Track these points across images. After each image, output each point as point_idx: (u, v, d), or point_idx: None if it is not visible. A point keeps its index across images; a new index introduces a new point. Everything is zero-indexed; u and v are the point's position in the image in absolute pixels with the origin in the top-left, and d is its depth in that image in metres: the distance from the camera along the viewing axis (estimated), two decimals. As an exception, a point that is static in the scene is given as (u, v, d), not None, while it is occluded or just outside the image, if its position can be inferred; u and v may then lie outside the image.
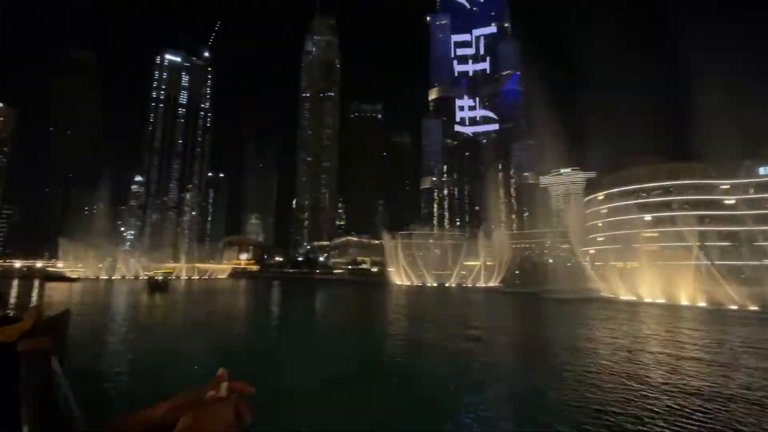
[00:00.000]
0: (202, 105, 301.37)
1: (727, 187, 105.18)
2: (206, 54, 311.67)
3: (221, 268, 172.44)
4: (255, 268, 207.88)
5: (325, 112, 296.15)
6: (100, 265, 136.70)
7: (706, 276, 44.14)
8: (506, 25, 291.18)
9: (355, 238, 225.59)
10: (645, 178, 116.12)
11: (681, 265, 63.36)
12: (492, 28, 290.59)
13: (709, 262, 57.98)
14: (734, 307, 36.97)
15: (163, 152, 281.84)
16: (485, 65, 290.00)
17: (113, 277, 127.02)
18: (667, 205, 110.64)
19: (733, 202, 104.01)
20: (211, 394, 0.82)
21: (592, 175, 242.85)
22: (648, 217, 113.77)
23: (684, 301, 40.82)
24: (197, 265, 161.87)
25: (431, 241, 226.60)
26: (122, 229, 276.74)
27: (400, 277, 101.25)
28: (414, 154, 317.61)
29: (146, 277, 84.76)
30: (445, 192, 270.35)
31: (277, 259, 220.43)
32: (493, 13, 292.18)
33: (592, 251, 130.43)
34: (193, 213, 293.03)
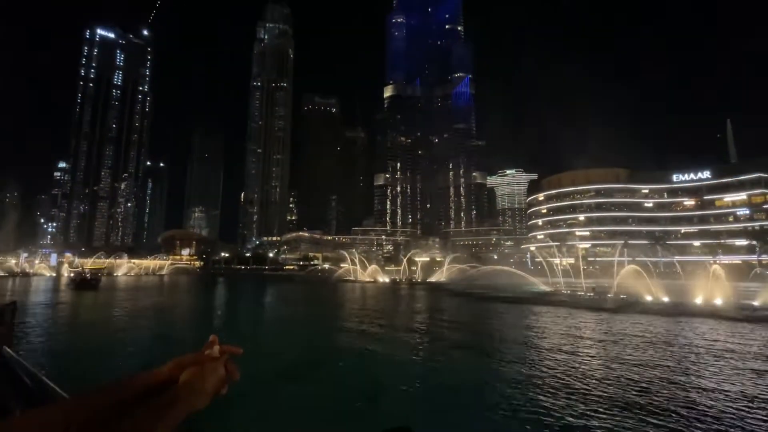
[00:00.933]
0: (141, 88, 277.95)
1: (647, 191, 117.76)
2: (145, 32, 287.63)
3: (160, 264, 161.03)
4: (198, 263, 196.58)
5: (278, 103, 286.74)
6: (14, 261, 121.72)
7: (629, 271, 49.45)
8: (459, 29, 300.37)
9: (306, 234, 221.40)
10: (579, 181, 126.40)
11: (608, 261, 70.11)
12: (446, 30, 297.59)
13: (630, 259, 64.89)
14: (650, 299, 41.63)
15: (93, 137, 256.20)
16: (439, 66, 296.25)
17: (31, 273, 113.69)
18: (598, 207, 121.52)
19: (651, 205, 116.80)
20: (207, 353, 1.01)
21: (534, 176, 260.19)
22: (581, 217, 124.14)
23: (610, 294, 45.41)
24: (133, 260, 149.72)
25: (384, 237, 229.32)
26: (41, 220, 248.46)
27: (353, 273, 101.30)
28: (368, 150, 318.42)
29: (72, 274, 76.85)
30: (398, 189, 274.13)
31: (222, 254, 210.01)
32: (447, 16, 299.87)
33: (532, 248, 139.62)
34: (129, 204, 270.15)
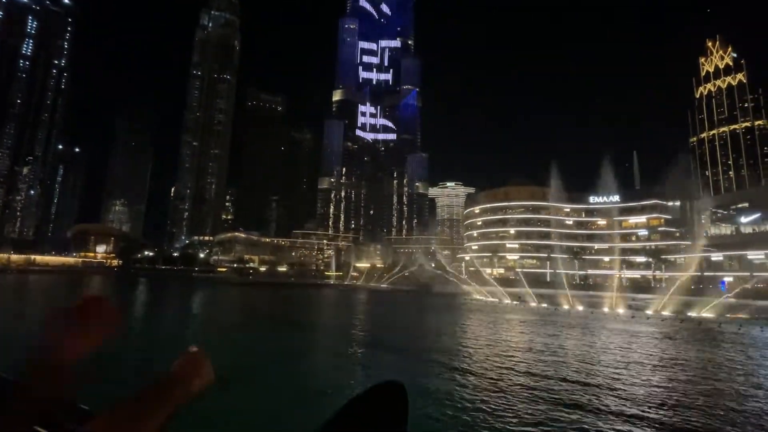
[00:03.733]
0: (56, 61, 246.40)
1: (568, 210, 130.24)
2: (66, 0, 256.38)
3: (66, 261, 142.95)
4: (116, 262, 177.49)
5: (219, 95, 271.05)
6: None
7: (537, 281, 55.03)
8: (410, 42, 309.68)
9: (242, 235, 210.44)
10: (512, 196, 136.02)
11: (535, 272, 76.51)
12: (396, 42, 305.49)
13: (552, 271, 71.62)
14: (566, 306, 46.15)
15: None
16: (388, 76, 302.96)
17: None
18: (526, 222, 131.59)
19: (571, 222, 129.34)
20: (193, 351, 1.14)
21: (471, 190, 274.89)
22: (512, 231, 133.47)
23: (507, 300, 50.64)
24: (33, 256, 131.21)
25: (326, 242, 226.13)
26: None
27: (296, 277, 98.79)
28: (314, 153, 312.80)
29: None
30: (343, 194, 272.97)
31: (146, 253, 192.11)
32: (399, 28, 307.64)
33: (467, 258, 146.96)
34: (32, 192, 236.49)
